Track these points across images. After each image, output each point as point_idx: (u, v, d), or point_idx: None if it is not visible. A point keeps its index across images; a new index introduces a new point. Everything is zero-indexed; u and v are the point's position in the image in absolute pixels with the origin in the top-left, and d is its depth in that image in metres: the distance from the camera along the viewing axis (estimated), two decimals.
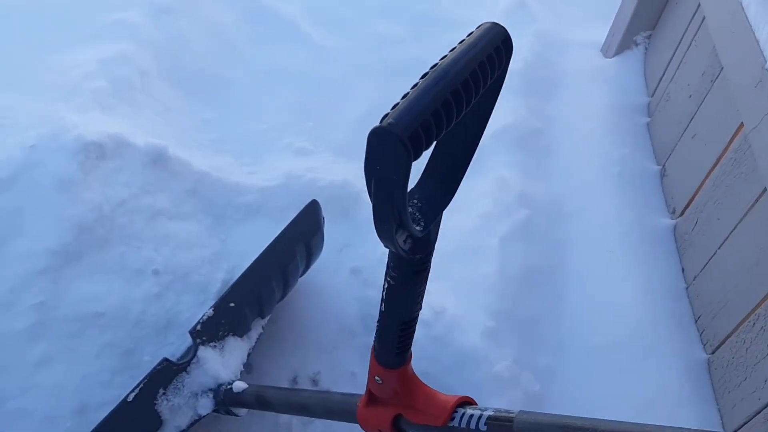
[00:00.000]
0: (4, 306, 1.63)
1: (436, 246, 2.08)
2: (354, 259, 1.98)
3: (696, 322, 1.80)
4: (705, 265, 1.79)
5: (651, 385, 1.73)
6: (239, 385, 1.47)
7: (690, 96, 2.03)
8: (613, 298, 1.86)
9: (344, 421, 1.19)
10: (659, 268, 1.92)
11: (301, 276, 1.81)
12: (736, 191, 1.67)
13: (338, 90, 2.47)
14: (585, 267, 1.94)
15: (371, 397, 1.09)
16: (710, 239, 1.77)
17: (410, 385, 1.02)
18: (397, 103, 0.61)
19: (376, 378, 1.02)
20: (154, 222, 1.86)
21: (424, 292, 0.92)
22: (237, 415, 1.53)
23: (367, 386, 1.09)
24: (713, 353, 1.70)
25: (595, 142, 2.21)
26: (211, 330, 1.54)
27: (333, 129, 2.31)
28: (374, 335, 0.98)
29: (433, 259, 2.02)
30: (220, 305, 1.56)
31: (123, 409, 1.40)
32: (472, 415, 0.94)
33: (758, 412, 1.47)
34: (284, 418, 1.69)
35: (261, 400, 1.41)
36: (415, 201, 0.79)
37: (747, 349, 1.54)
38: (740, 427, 1.54)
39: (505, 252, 1.89)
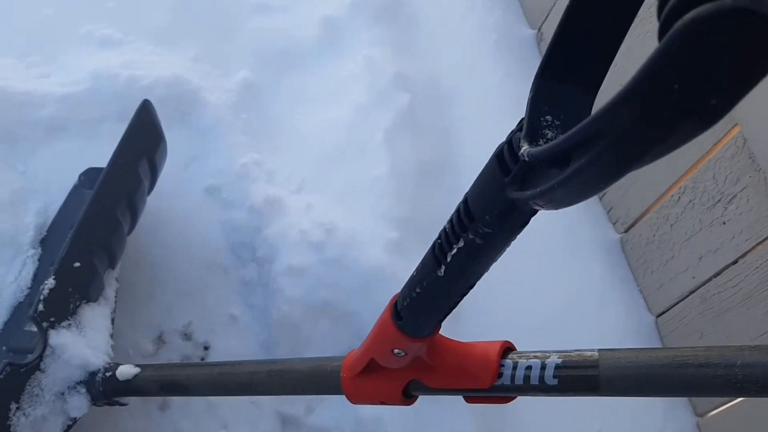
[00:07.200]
0: None
1: (305, 150, 1.71)
2: (206, 175, 1.59)
3: (600, 199, 1.67)
4: None
5: (575, 267, 1.60)
6: (126, 372, 1.07)
7: None
8: None
9: (316, 394, 0.93)
10: None
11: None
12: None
13: None
14: (476, 152, 1.69)
15: (370, 366, 0.80)
16: None
17: (438, 349, 0.75)
18: None
19: (396, 351, 0.73)
20: None
21: None
22: (123, 404, 1.15)
23: (362, 354, 0.80)
24: (626, 232, 1.59)
25: (464, 7, 1.92)
26: (59, 305, 1.10)
27: (145, 8, 1.78)
28: (403, 303, 0.70)
29: (310, 167, 1.67)
30: (62, 270, 1.12)
31: None
32: (529, 367, 0.68)
33: (693, 292, 1.38)
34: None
35: (170, 386, 1.03)
36: None
37: (672, 225, 1.43)
38: (671, 308, 1.45)
39: (393, 147, 1.59)
